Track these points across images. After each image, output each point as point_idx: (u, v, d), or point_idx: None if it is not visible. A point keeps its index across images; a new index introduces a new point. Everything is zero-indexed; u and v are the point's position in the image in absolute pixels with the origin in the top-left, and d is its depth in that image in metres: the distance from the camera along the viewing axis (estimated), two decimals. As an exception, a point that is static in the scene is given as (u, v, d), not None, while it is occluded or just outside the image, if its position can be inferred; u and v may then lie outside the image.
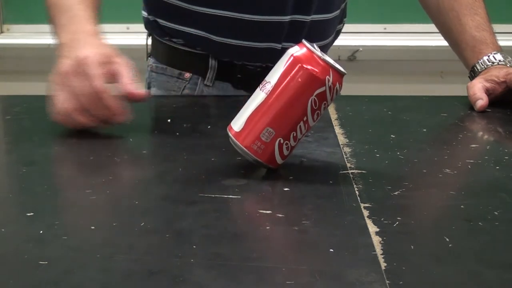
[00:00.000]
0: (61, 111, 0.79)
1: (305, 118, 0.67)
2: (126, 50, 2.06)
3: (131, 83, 0.81)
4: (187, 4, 1.00)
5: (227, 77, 1.05)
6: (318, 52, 0.67)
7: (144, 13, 1.10)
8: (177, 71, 1.07)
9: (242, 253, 0.54)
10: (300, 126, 0.68)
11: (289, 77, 0.67)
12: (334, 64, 0.67)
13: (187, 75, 1.06)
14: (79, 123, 0.79)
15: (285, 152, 0.69)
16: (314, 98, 0.67)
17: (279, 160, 0.69)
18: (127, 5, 1.91)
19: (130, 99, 0.81)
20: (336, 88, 0.67)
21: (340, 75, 0.68)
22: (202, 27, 1.02)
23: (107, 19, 2.11)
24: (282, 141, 0.68)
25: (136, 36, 1.86)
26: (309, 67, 0.66)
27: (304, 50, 0.67)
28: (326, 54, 1.17)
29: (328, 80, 0.66)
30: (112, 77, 0.80)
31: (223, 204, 0.63)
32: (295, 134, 0.68)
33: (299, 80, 0.66)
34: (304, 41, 0.68)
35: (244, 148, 0.68)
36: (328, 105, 0.69)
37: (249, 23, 0.99)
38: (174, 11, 1.02)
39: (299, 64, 0.66)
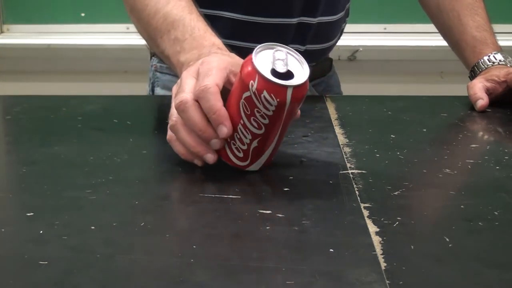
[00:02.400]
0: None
1: (242, 122, 0.66)
2: (126, 50, 2.06)
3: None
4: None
5: None
6: (262, 56, 0.65)
7: None
8: None
9: (242, 253, 0.54)
10: (240, 128, 0.66)
11: (236, 76, 0.67)
12: (264, 72, 0.63)
13: None
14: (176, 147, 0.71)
15: (238, 154, 0.68)
16: (243, 102, 0.65)
17: (233, 159, 0.69)
18: (127, 5, 1.91)
19: None
20: (264, 96, 0.63)
21: (271, 84, 0.63)
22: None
23: (107, 19, 2.11)
24: (229, 140, 0.68)
25: (136, 36, 1.86)
26: (242, 68, 0.65)
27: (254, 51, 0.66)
28: (328, 55, 1.16)
29: (252, 85, 0.64)
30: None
31: (223, 204, 0.63)
32: (238, 136, 0.67)
33: (236, 80, 0.67)
34: (267, 43, 0.67)
35: None
36: (266, 115, 0.65)
37: (257, 25, 0.99)
38: None
39: (242, 65, 0.66)
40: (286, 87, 0.63)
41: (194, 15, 0.80)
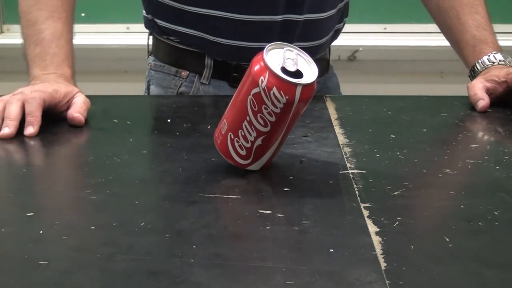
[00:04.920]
0: None
1: (248, 118, 0.67)
2: (126, 50, 2.06)
3: (75, 111, 0.86)
4: (180, 4, 1.01)
5: (223, 76, 1.05)
6: (273, 53, 0.66)
7: (144, 12, 1.10)
8: (175, 68, 1.07)
9: (242, 253, 0.54)
10: (245, 125, 0.67)
11: (245, 73, 0.68)
12: (274, 69, 0.64)
13: (184, 73, 1.07)
14: None
15: (241, 151, 0.69)
16: (251, 98, 0.66)
17: (235, 156, 0.69)
18: (127, 5, 1.90)
19: (71, 122, 0.86)
20: (273, 93, 0.64)
21: (281, 81, 0.64)
22: (196, 26, 1.02)
23: (107, 19, 2.11)
24: (232, 137, 0.68)
25: (136, 36, 1.86)
26: (252, 65, 0.66)
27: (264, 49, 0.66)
28: (325, 53, 1.15)
29: (262, 81, 0.64)
30: (66, 110, 0.87)
31: (223, 204, 0.63)
32: (243, 133, 0.68)
33: (244, 76, 0.67)
34: (277, 42, 0.67)
35: (214, 140, 0.71)
36: (273, 112, 0.66)
37: (241, 22, 0.99)
38: (169, 10, 1.03)
39: (251, 62, 0.67)
40: (296, 85, 0.64)
41: (62, 40, 0.94)
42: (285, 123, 0.67)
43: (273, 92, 0.64)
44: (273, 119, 0.66)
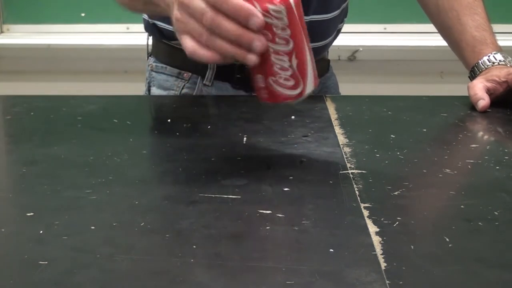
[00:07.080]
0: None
1: (271, 50, 0.67)
2: (126, 50, 2.06)
3: None
4: None
5: (226, 77, 1.05)
6: None
7: (144, 16, 1.10)
8: (177, 70, 1.07)
9: (242, 253, 0.54)
10: (274, 58, 0.67)
11: None
12: None
13: (187, 74, 1.06)
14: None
15: (288, 83, 0.69)
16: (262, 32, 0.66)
17: (289, 91, 0.69)
18: (127, 5, 1.90)
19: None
20: (272, 9, 0.64)
21: None
22: None
23: (107, 19, 2.11)
24: (274, 78, 0.68)
25: (136, 36, 1.86)
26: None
27: None
28: (326, 54, 1.15)
29: (256, 8, 0.64)
30: None
31: (223, 204, 0.63)
32: (279, 66, 0.68)
33: None
34: None
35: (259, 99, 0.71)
36: (284, 26, 0.66)
37: None
38: None
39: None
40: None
41: None
42: (299, 29, 0.67)
43: (271, 9, 0.65)
44: (288, 32, 0.66)
